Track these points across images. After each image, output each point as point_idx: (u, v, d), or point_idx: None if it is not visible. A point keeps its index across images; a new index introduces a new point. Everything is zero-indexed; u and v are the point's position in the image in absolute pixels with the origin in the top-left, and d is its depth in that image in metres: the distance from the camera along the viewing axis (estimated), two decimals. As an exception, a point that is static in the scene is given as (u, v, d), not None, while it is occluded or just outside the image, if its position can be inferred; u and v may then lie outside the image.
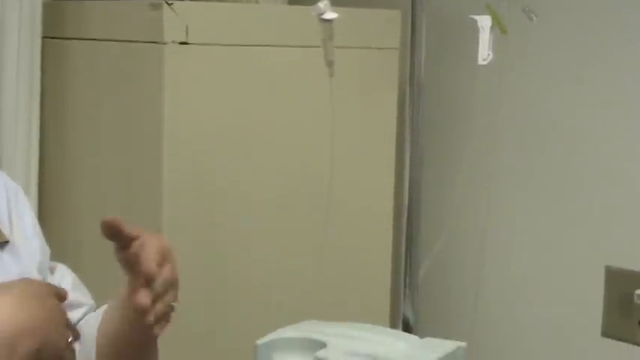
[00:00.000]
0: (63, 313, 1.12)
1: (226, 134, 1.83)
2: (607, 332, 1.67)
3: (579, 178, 1.75)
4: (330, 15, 1.52)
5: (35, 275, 1.29)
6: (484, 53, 1.54)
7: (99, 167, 1.96)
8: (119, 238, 1.19)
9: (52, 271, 1.38)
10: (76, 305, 1.35)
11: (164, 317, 1.17)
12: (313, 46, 1.57)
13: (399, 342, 1.29)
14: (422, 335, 1.34)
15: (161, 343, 1.33)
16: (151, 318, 1.15)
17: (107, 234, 1.17)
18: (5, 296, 1.07)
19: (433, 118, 1.86)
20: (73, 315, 1.35)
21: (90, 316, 1.36)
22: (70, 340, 1.11)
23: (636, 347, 1.63)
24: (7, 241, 1.26)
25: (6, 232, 1.27)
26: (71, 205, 2.02)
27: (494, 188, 1.86)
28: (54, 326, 1.09)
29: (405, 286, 1.73)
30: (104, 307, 1.34)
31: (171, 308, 1.18)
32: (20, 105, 1.96)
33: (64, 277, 1.39)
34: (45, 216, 1.99)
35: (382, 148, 1.96)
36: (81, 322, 1.35)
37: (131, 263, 1.18)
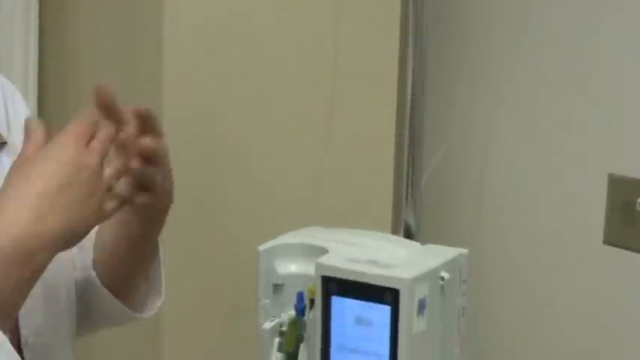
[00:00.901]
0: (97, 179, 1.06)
1: (228, 33, 1.79)
2: (609, 240, 1.67)
3: (583, 84, 1.73)
4: None
5: None
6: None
7: (99, 68, 1.95)
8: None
9: None
10: None
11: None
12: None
13: (401, 248, 1.29)
14: (423, 242, 1.34)
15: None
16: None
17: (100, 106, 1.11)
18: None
19: (436, 20, 1.84)
20: None
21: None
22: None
23: (637, 255, 1.63)
24: (4, 142, 1.24)
25: (3, 132, 1.25)
26: (71, 107, 2.02)
27: (496, 94, 1.85)
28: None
29: (407, 193, 1.73)
30: None
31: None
32: (17, 5, 1.94)
33: None
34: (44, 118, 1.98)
35: (384, 53, 1.93)
36: None
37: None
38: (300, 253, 1.28)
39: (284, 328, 1.27)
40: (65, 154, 1.04)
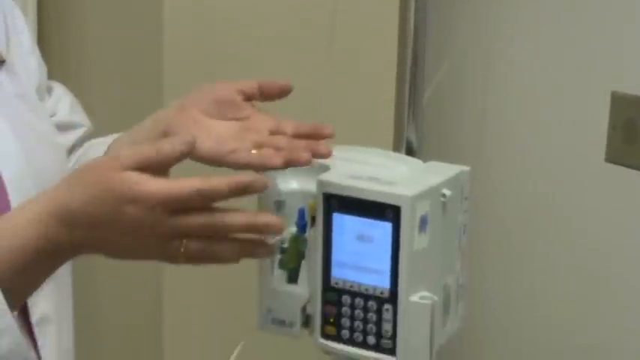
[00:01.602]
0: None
1: None
2: (611, 158, 1.67)
3: (586, 1, 1.71)
4: None
5: (33, 97, 1.27)
6: None
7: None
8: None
9: (49, 90, 1.36)
10: (72, 127, 1.33)
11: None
12: None
13: (402, 165, 1.29)
14: (425, 159, 1.33)
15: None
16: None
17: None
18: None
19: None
20: (68, 137, 1.33)
21: (96, 141, 1.33)
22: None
23: (639, 172, 1.63)
24: (3, 61, 1.23)
25: (2, 50, 1.23)
26: (72, 26, 2.00)
27: (499, 11, 1.83)
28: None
29: (409, 110, 1.72)
30: (114, 136, 1.30)
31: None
32: None
33: (61, 99, 1.37)
34: (44, 37, 1.97)
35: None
36: (85, 146, 1.33)
37: None
38: (302, 170, 1.27)
39: (285, 245, 1.27)
40: (137, 212, 0.97)
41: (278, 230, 1.07)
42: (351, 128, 1.86)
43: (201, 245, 1.01)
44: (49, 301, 1.19)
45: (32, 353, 1.09)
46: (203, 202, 0.99)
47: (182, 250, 1.00)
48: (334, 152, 1.30)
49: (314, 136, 1.19)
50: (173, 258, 1.01)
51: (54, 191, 1.01)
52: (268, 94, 1.23)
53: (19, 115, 1.20)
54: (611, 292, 1.68)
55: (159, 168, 1.00)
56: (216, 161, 1.15)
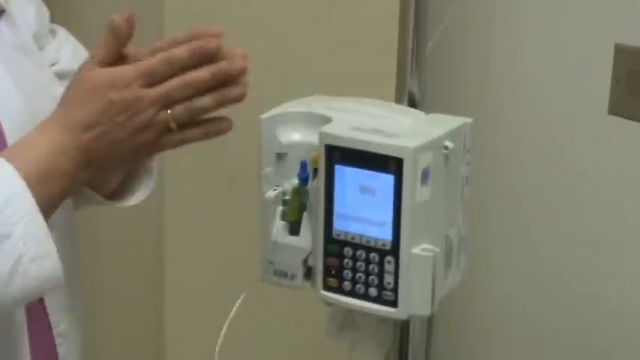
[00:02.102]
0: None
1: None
2: (614, 110, 1.66)
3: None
4: None
5: (32, 46, 1.26)
6: None
7: None
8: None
9: (52, 33, 1.35)
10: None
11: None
12: None
13: (405, 117, 1.28)
14: (427, 111, 1.33)
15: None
16: None
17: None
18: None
19: None
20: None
21: None
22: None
23: (642, 125, 1.62)
24: (3, 11, 1.22)
25: (1, 1, 1.22)
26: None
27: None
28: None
29: (411, 61, 1.71)
30: None
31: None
32: None
33: (63, 46, 1.36)
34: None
35: None
36: None
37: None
38: (304, 122, 1.27)
39: (287, 197, 1.27)
40: (120, 95, 1.08)
41: (243, 59, 1.15)
42: (353, 80, 1.86)
43: (185, 105, 1.10)
44: (67, 316, 1.25)
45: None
46: (170, 68, 1.09)
47: (170, 118, 1.10)
48: (336, 104, 1.30)
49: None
50: (167, 138, 1.11)
51: (55, 108, 1.12)
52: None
53: (20, 65, 1.20)
54: (614, 243, 1.68)
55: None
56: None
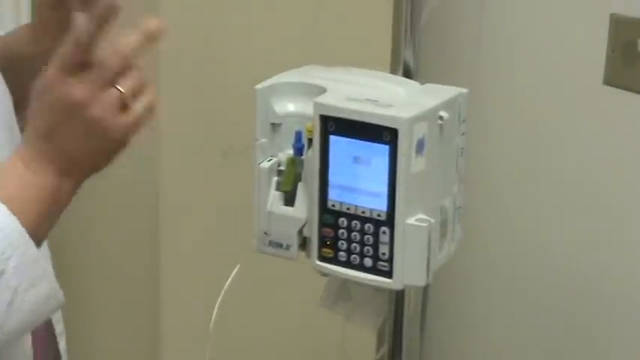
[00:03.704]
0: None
1: None
2: (609, 81, 1.65)
3: None
4: None
5: None
6: None
7: None
8: None
9: None
10: None
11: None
12: None
13: (400, 88, 1.28)
14: (423, 81, 1.33)
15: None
16: None
17: None
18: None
19: None
20: None
21: None
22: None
23: (637, 95, 1.62)
24: None
25: None
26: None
27: None
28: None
29: (406, 31, 1.70)
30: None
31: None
32: None
33: None
34: None
35: None
36: None
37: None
38: (298, 92, 1.27)
39: (282, 168, 1.27)
40: (51, 93, 0.99)
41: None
42: (348, 50, 1.85)
43: (133, 77, 1.00)
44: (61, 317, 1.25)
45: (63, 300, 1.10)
46: (89, 41, 0.97)
47: (122, 91, 0.99)
48: (331, 74, 1.30)
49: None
50: (125, 116, 1.00)
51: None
52: None
53: None
54: (608, 212, 1.68)
55: None
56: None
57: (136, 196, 2.04)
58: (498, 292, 1.93)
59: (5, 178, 1.01)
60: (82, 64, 0.98)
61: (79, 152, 1.01)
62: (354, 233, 1.22)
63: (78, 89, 0.98)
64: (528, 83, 1.80)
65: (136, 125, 1.01)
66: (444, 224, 1.25)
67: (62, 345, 1.26)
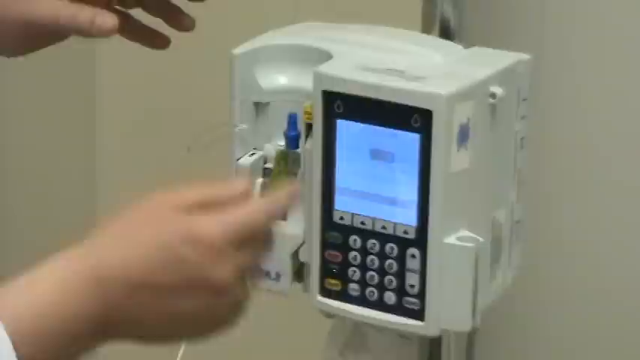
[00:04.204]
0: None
1: None
2: None
3: None
4: None
5: None
6: None
7: None
8: None
9: None
10: None
11: None
12: None
13: (435, 53, 1.29)
14: (467, 44, 1.34)
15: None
16: None
17: None
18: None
19: None
20: None
21: None
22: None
23: None
24: None
25: None
26: None
27: None
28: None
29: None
30: None
31: None
32: None
33: None
34: None
35: None
36: None
37: None
38: (292, 60, 1.28)
39: (269, 165, 1.29)
40: (194, 259, 1.06)
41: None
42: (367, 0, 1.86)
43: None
44: None
45: None
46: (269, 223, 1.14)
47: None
48: (338, 34, 1.30)
49: None
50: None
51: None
52: None
53: None
54: None
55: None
56: (53, 21, 1.27)
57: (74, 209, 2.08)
58: (571, 338, 1.92)
59: (28, 293, 1.01)
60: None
61: (162, 331, 1.08)
62: (370, 257, 1.22)
63: (227, 272, 1.08)
64: (606, 44, 1.81)
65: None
66: (496, 245, 1.25)
67: None
